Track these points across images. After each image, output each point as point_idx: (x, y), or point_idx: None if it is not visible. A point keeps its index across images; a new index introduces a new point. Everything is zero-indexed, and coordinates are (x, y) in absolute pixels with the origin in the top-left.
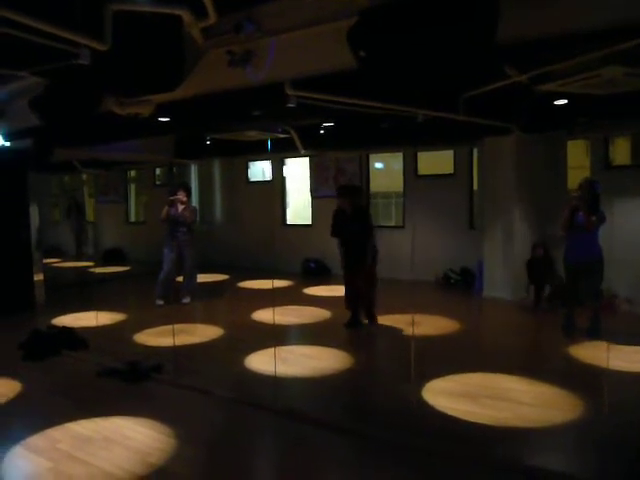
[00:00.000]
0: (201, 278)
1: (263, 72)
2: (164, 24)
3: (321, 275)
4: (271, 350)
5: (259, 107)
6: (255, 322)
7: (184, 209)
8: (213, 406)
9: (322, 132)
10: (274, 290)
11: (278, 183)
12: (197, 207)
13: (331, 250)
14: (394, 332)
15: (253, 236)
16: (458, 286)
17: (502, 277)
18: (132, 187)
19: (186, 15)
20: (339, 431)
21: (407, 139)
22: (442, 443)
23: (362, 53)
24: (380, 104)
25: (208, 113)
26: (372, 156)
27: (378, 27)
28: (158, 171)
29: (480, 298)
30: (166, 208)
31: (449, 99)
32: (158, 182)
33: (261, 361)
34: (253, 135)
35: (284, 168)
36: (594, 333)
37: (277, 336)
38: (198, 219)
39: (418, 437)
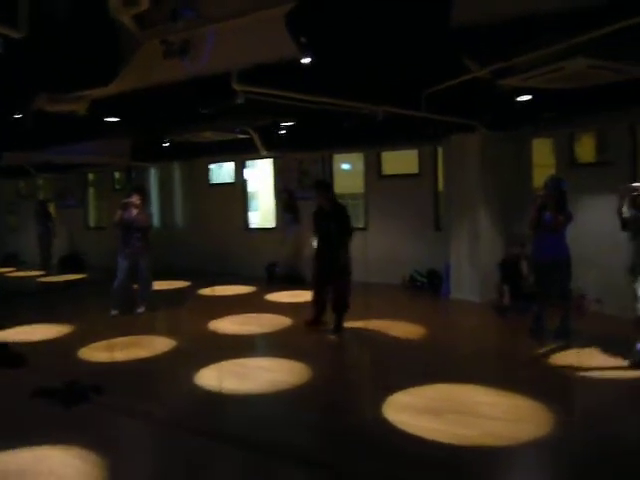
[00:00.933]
0: (161, 285)
1: (201, 63)
2: (95, 13)
3: (285, 280)
4: (225, 364)
5: (206, 104)
6: (211, 332)
7: (138, 213)
8: (154, 432)
9: (283, 132)
10: (234, 297)
11: (240, 185)
12: (152, 212)
13: (300, 254)
14: (357, 340)
15: (216, 240)
16: (425, 288)
17: (469, 278)
18: (91, 191)
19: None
20: (291, 457)
21: (370, 139)
22: (404, 466)
23: (303, 39)
24: (333, 100)
25: (152, 111)
26: (339, 157)
27: (319, 10)
28: (117, 175)
29: (447, 301)
30: (119, 212)
31: (410, 96)
32: (117, 186)
33: (212, 377)
34: (209, 136)
35: (245, 170)
36: (563, 335)
37: (233, 347)
38: (157, 224)
39: (377, 460)
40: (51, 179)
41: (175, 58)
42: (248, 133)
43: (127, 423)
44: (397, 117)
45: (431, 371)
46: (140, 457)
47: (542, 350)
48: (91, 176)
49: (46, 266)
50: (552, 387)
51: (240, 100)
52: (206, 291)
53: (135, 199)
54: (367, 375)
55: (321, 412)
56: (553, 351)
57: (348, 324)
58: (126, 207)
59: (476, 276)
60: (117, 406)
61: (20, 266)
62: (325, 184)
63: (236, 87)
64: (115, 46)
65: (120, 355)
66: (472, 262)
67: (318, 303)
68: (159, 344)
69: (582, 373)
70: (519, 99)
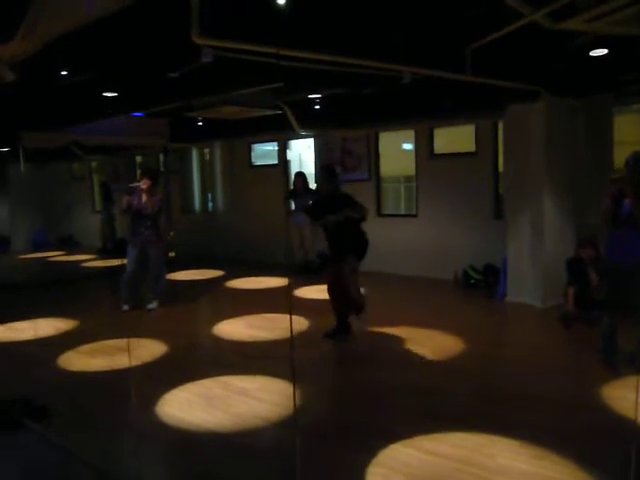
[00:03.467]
0: (193, 275)
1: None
2: None
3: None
4: (204, 382)
5: (171, 67)
6: (214, 337)
7: (147, 199)
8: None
9: (318, 108)
10: (261, 292)
11: (281, 167)
12: (162, 196)
13: None
14: (374, 355)
15: (256, 227)
16: (480, 287)
17: (530, 279)
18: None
19: None
20: None
21: (419, 113)
22: None
23: None
24: (334, 57)
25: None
26: (399, 136)
27: None
28: (162, 157)
29: (502, 304)
30: (125, 197)
31: (449, 53)
32: (162, 169)
33: (181, 401)
34: (234, 111)
35: (288, 151)
36: (637, 362)
37: (227, 359)
38: (197, 209)
39: None
40: (103, 161)
41: None
42: (281, 108)
43: (49, 468)
44: (447, 85)
45: (452, 410)
46: None
47: (610, 384)
48: (139, 159)
49: (103, 249)
50: (614, 448)
51: (207, 58)
52: (253, 282)
53: (143, 183)
54: (366, 412)
55: (276, 474)
56: (624, 385)
57: (375, 329)
58: (133, 192)
59: (538, 276)
60: (49, 439)
61: (72, 249)
62: (332, 169)
63: (197, 41)
64: None
65: (100, 363)
66: (534, 259)
67: (334, 302)
68: (149, 350)
69: None
70: (593, 54)
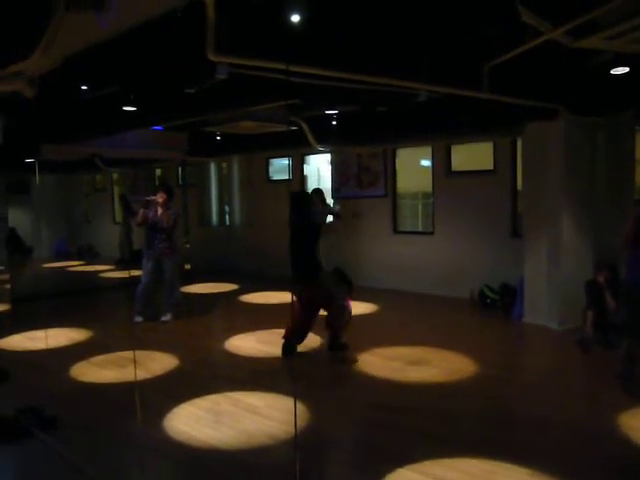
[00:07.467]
0: (208, 288)
1: (111, 16)
2: None
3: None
4: (212, 398)
5: (187, 83)
6: (225, 352)
7: (162, 212)
8: None
9: (334, 124)
10: (275, 307)
11: (298, 182)
12: (178, 211)
13: (356, 258)
14: (390, 376)
15: (272, 241)
16: (496, 307)
17: (546, 300)
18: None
19: None
20: None
21: (436, 129)
22: None
23: None
24: (349, 74)
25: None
26: (417, 152)
27: None
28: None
29: (518, 325)
30: (142, 211)
31: (466, 70)
32: (180, 182)
33: (189, 416)
34: (252, 126)
35: (306, 165)
36: None
37: (238, 375)
38: (215, 222)
39: None
40: (123, 174)
41: (85, 12)
42: (299, 124)
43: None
44: (465, 102)
45: (462, 435)
46: None
47: (630, 411)
48: (158, 171)
49: (121, 260)
50: None
51: (222, 75)
52: (267, 297)
53: (159, 197)
54: (374, 434)
55: None
56: None
57: (388, 348)
58: (149, 205)
59: (555, 297)
60: (55, 450)
61: (91, 259)
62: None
63: (212, 58)
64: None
65: (111, 374)
66: (550, 280)
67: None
68: (160, 363)
69: None
70: (614, 72)
